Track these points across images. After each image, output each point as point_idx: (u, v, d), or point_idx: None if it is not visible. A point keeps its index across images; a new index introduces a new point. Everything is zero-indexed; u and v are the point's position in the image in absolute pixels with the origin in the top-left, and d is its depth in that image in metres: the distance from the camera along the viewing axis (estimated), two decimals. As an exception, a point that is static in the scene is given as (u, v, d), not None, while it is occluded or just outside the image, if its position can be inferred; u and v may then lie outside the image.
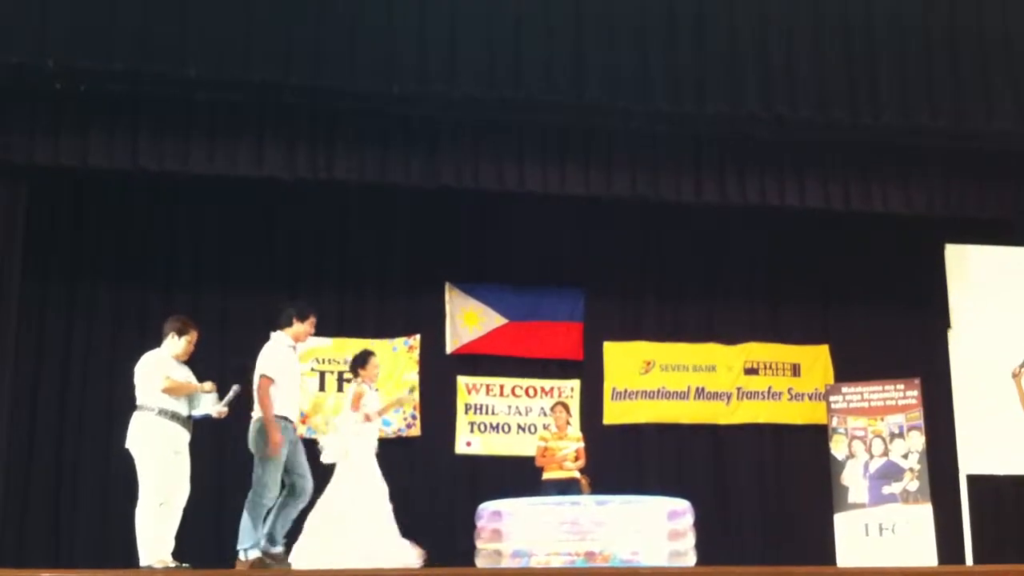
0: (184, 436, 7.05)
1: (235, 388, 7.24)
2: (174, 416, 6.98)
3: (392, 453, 9.86)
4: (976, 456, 10.27)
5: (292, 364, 7.48)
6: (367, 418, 7.89)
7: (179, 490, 7.02)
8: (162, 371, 6.99)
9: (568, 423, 9.35)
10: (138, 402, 7.02)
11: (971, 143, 9.08)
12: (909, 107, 8.61)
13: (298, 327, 7.52)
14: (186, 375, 7.17)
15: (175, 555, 6.95)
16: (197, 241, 9.89)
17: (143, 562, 6.84)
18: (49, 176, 8.84)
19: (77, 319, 9.55)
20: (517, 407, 10.21)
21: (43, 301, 9.47)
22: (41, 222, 9.29)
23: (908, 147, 9.18)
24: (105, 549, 8.87)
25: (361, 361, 8.12)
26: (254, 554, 7.23)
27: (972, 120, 8.68)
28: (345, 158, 8.61)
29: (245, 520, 7.29)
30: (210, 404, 7.13)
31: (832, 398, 10.26)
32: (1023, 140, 8.95)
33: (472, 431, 10.15)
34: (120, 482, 9.09)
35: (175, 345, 7.17)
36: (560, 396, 10.15)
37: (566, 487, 8.81)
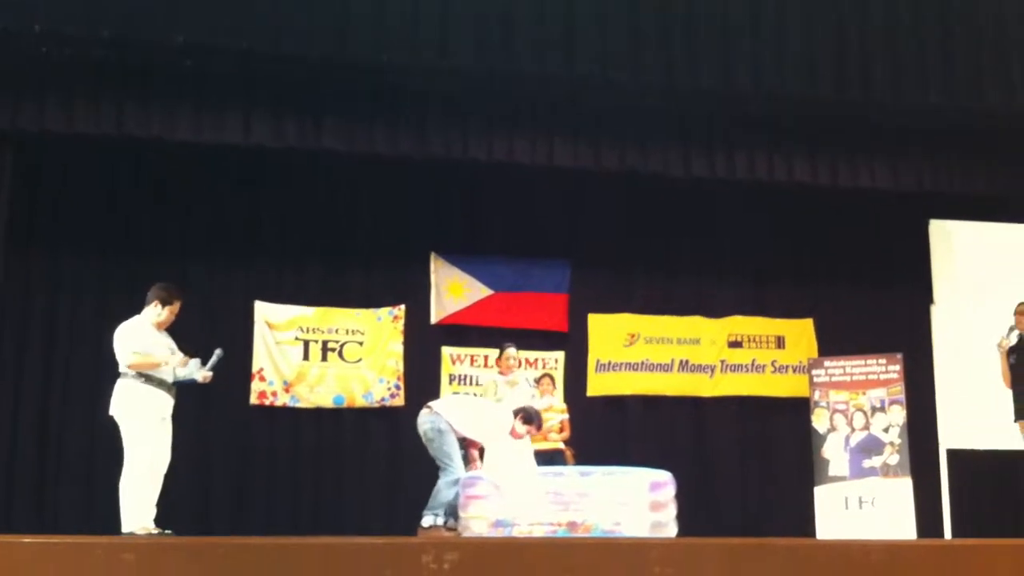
0: (169, 402, 7.03)
1: (218, 352, 7.22)
2: (160, 383, 6.96)
3: (376, 423, 9.94)
4: (956, 430, 10.37)
5: None
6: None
7: (163, 457, 7.02)
8: (138, 340, 6.95)
9: (552, 395, 9.39)
10: (121, 368, 6.98)
11: (960, 120, 9.11)
12: (899, 84, 8.62)
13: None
14: (166, 343, 7.14)
15: (157, 521, 6.96)
16: (183, 210, 9.83)
17: (125, 528, 6.84)
18: (34, 143, 8.79)
19: (62, 288, 9.50)
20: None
21: (27, 269, 9.40)
22: (26, 190, 9.23)
23: (897, 123, 9.21)
24: (89, 516, 8.89)
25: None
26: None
27: (962, 97, 8.70)
28: (333, 128, 8.58)
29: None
30: (195, 369, 7.12)
31: (814, 372, 10.32)
32: (1011, 118, 8.98)
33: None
34: (104, 450, 9.11)
35: (157, 313, 7.11)
36: (545, 367, 10.18)
37: (551, 458, 8.84)
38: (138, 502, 6.85)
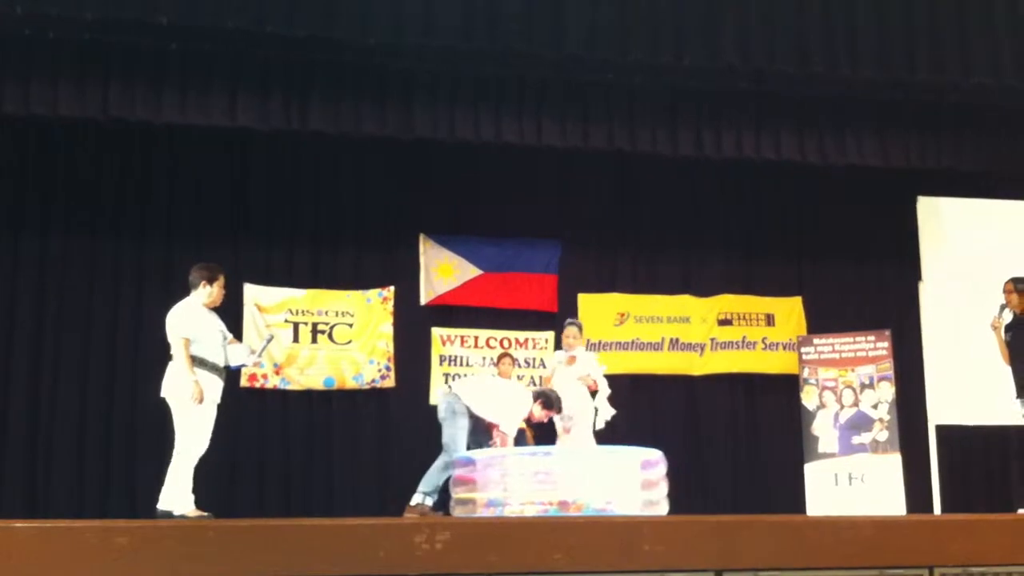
0: (219, 386, 7.06)
1: (268, 337, 7.25)
2: (212, 367, 6.98)
3: (366, 404, 9.94)
4: (945, 407, 10.40)
5: None
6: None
7: (203, 441, 7.05)
8: (187, 326, 6.94)
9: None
10: (173, 351, 6.98)
11: (948, 96, 9.11)
12: (887, 60, 8.60)
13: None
14: (216, 325, 7.14)
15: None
16: (171, 191, 9.78)
17: (163, 507, 6.85)
18: (19, 126, 8.74)
19: (49, 269, 9.45)
20: (492, 358, 10.23)
21: (15, 251, 9.38)
22: (11, 172, 9.18)
23: (885, 100, 9.21)
24: (81, 500, 8.89)
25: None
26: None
27: (949, 73, 8.69)
28: (320, 109, 8.55)
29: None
30: (245, 355, 7.14)
31: (804, 349, 10.35)
32: (1000, 94, 8.98)
33: (446, 382, 10.14)
34: (96, 433, 9.11)
35: (208, 292, 7.12)
36: (535, 347, 10.20)
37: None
38: (183, 484, 6.88)
